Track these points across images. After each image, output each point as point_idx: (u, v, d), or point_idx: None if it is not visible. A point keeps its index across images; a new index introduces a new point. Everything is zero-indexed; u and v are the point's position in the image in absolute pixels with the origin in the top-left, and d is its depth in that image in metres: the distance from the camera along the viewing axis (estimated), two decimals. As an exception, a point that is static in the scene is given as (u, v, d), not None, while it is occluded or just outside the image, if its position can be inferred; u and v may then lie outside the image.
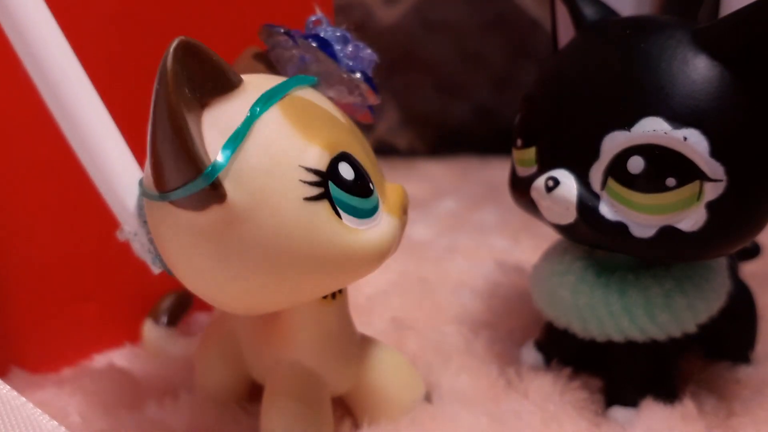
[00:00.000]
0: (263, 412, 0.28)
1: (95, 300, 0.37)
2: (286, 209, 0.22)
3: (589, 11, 0.32)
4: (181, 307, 0.37)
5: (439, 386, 0.33)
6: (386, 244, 0.25)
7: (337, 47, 0.26)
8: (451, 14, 0.79)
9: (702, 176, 0.27)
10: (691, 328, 0.31)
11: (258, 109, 0.23)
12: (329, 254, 0.23)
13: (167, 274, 0.28)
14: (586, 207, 0.29)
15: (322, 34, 0.26)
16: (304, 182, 0.23)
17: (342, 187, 0.23)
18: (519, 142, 0.32)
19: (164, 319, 0.37)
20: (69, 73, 0.27)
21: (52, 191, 0.35)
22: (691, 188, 0.27)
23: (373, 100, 0.27)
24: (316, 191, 0.23)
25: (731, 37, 0.27)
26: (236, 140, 0.22)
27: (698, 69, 0.27)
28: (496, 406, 0.32)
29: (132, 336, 0.38)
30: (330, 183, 0.23)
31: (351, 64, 0.26)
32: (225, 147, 0.22)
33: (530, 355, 0.36)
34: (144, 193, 0.24)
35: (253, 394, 0.32)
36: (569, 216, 0.29)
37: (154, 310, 0.37)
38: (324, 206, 0.23)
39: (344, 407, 0.31)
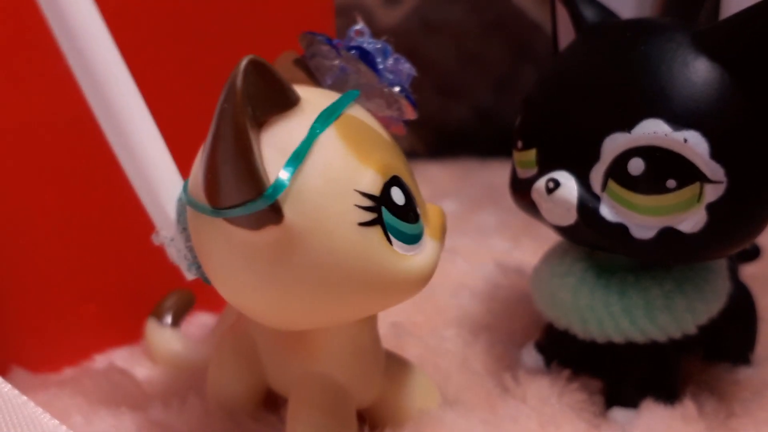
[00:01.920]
0: (289, 425, 0.27)
1: (96, 300, 0.37)
2: (341, 233, 0.22)
3: (589, 13, 0.32)
4: (185, 306, 0.37)
5: (440, 393, 0.32)
6: (430, 269, 0.25)
7: (378, 59, 0.26)
8: (451, 16, 0.79)
9: (702, 178, 0.27)
10: (690, 329, 0.31)
11: (317, 129, 0.23)
12: (379, 280, 0.23)
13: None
14: (587, 208, 0.29)
15: (364, 46, 0.26)
16: (360, 207, 0.22)
17: (394, 213, 0.23)
18: (519, 143, 0.32)
19: (168, 319, 0.36)
20: (117, 75, 0.27)
21: (53, 191, 0.35)
22: (691, 190, 0.27)
23: (411, 114, 0.27)
24: (370, 216, 0.23)
25: (731, 39, 0.27)
26: (297, 160, 0.22)
27: (698, 71, 0.27)
28: (494, 411, 0.32)
29: (134, 336, 0.38)
30: (383, 208, 0.23)
31: (391, 77, 0.26)
32: (286, 167, 0.22)
33: (530, 356, 0.36)
34: (193, 205, 0.24)
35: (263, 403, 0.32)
36: (570, 217, 0.29)
37: (157, 310, 0.36)
38: (377, 232, 0.23)
39: (358, 419, 0.30)
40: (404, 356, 0.32)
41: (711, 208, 0.27)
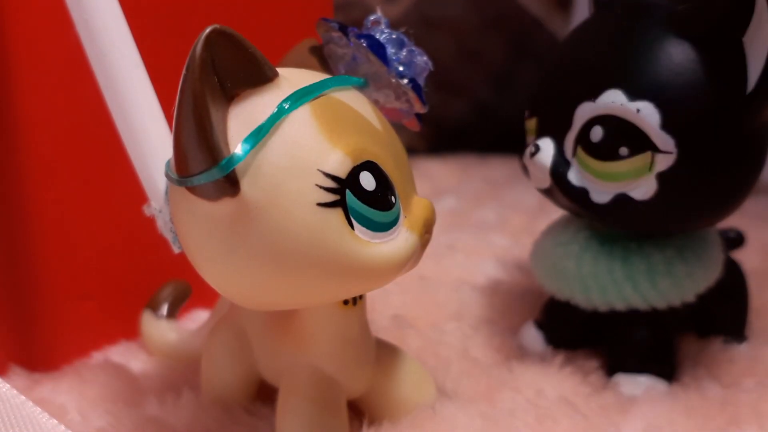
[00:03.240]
0: (278, 415, 0.27)
1: (95, 298, 0.37)
2: (297, 211, 0.22)
3: None
4: (180, 297, 0.37)
5: (439, 386, 0.32)
6: (398, 260, 0.24)
7: (391, 50, 0.25)
8: (451, 12, 0.79)
9: (653, 147, 0.28)
10: (690, 297, 0.32)
11: (287, 106, 0.22)
12: (336, 263, 0.23)
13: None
14: (557, 172, 0.31)
15: (377, 36, 0.25)
16: (321, 187, 0.22)
17: (360, 198, 0.23)
18: (527, 112, 0.34)
19: (164, 310, 0.36)
20: (120, 45, 0.28)
21: (52, 190, 0.35)
22: (643, 158, 0.29)
23: (419, 108, 0.26)
24: (330, 198, 0.22)
25: (697, 18, 0.29)
26: (258, 135, 0.22)
27: (665, 46, 0.29)
28: (492, 405, 0.32)
29: (132, 334, 0.38)
30: (347, 191, 0.23)
31: (402, 69, 0.25)
32: (246, 140, 0.22)
33: (530, 334, 0.36)
34: (167, 175, 0.24)
35: (256, 393, 0.32)
36: (546, 181, 0.31)
37: (153, 301, 0.36)
38: (337, 214, 0.22)
39: (351, 409, 0.30)
40: (401, 346, 0.31)
41: (661, 177, 0.29)
